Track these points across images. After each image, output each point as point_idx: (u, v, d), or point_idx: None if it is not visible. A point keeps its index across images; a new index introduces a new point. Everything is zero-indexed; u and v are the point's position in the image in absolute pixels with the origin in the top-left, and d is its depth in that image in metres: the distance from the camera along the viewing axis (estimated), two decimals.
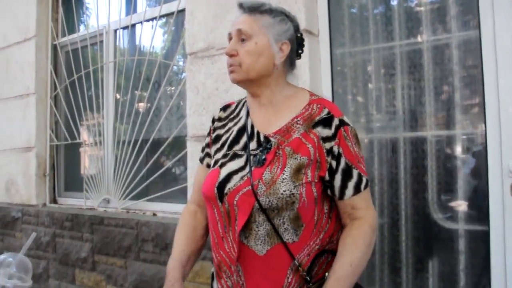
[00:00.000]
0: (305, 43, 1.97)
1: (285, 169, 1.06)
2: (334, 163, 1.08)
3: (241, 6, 1.16)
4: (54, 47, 3.51)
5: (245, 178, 1.08)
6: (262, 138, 1.13)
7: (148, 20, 2.94)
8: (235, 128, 1.21)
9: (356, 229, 1.09)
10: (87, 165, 3.31)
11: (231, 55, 1.14)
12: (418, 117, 1.94)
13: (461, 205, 1.82)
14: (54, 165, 3.50)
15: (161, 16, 2.84)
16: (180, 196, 2.66)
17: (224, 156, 1.17)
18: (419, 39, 1.96)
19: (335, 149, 1.08)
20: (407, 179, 1.93)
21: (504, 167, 1.67)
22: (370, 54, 2.05)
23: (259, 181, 1.06)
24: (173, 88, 2.90)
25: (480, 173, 1.80)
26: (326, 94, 2.07)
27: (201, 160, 1.30)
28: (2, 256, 1.04)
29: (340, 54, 2.11)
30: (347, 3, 2.13)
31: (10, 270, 1.02)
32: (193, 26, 2.43)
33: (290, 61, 1.18)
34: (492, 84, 1.71)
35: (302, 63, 2.02)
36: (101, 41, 3.18)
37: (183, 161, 2.80)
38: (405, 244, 1.92)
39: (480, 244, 1.74)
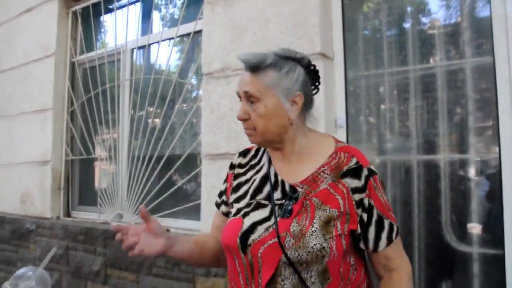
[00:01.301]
0: (320, 66, 2.05)
1: (314, 221, 1.02)
2: (365, 216, 1.05)
3: (243, 63, 1.09)
4: (72, 65, 3.60)
5: (271, 230, 1.03)
6: (287, 188, 1.09)
7: (164, 40, 3.02)
8: (258, 177, 1.15)
9: (397, 284, 1.07)
10: (101, 180, 3.37)
11: (243, 120, 1.09)
12: (431, 140, 1.96)
13: (475, 228, 1.83)
14: (69, 179, 3.56)
15: (178, 37, 2.92)
16: (193, 213, 2.69)
17: (247, 205, 1.11)
18: (432, 63, 1.99)
19: (366, 201, 1.05)
20: (420, 201, 1.94)
21: None
22: (384, 77, 2.09)
23: (286, 234, 1.01)
24: (187, 106, 2.95)
25: (494, 196, 1.81)
26: (340, 116, 2.10)
27: (218, 205, 1.26)
28: (22, 270, 1.07)
29: (354, 77, 2.15)
30: (362, 27, 2.18)
31: (30, 283, 1.04)
32: (210, 47, 2.50)
33: (307, 105, 1.12)
34: (506, 108, 1.73)
35: None
36: (118, 60, 3.26)
37: (196, 178, 2.84)
38: (418, 266, 1.92)
39: (495, 268, 1.75)
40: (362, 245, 1.07)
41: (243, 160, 1.23)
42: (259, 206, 1.09)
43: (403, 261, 1.10)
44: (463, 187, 1.88)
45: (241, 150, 1.27)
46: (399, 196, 2.00)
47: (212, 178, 2.41)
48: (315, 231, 1.00)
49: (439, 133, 1.93)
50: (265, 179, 1.13)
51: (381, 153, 2.09)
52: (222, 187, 1.25)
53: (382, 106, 2.13)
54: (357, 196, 1.05)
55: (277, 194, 1.09)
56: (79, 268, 3.10)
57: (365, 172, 1.06)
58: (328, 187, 1.05)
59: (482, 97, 1.89)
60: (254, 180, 1.15)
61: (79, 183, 3.59)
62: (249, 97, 1.07)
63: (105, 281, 2.93)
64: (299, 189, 1.07)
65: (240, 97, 1.11)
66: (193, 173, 2.78)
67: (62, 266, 3.22)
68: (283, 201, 1.07)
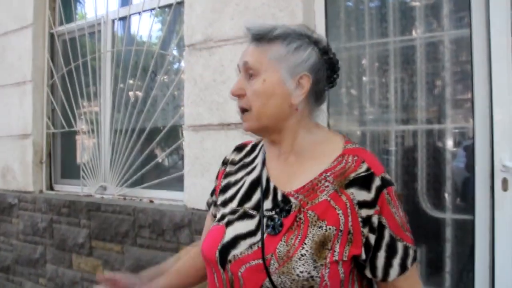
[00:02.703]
0: None
1: (306, 241, 0.83)
2: (372, 238, 0.85)
3: (248, 32, 0.94)
4: (51, 36, 3.51)
5: (255, 248, 0.87)
6: (279, 197, 0.91)
7: (146, 11, 2.97)
8: (248, 180, 0.99)
9: None
10: (84, 153, 3.35)
11: (237, 96, 0.93)
12: (410, 111, 2.01)
13: (449, 196, 1.91)
14: (51, 152, 3.53)
15: (160, 7, 2.87)
16: (176, 184, 2.72)
17: (233, 212, 0.95)
18: (412, 35, 2.02)
19: (375, 219, 0.84)
20: (398, 170, 2.01)
21: (494, 159, 1.72)
22: (365, 49, 2.12)
23: (272, 255, 0.84)
24: (169, 78, 2.94)
25: (467, 165, 1.88)
26: None
27: (208, 206, 1.12)
28: None
29: (335, 49, 2.16)
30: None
31: None
32: (192, 18, 2.47)
33: (316, 95, 0.94)
34: (481, 80, 1.77)
35: None
36: (99, 31, 3.20)
37: (178, 150, 2.86)
38: None
39: (466, 232, 1.83)
40: (368, 273, 0.88)
41: (237, 156, 1.06)
42: (245, 215, 0.93)
43: None
44: (439, 156, 1.95)
45: (237, 145, 1.10)
46: None
47: (194, 150, 2.43)
48: (305, 254, 0.82)
49: (417, 104, 1.98)
50: (256, 183, 0.96)
51: (361, 124, 2.14)
52: (214, 184, 1.10)
53: (363, 78, 2.16)
54: (364, 212, 0.84)
55: (267, 204, 0.91)
56: (63, 240, 3.12)
57: (377, 182, 0.85)
58: (329, 199, 0.86)
59: (460, 69, 1.94)
60: (244, 183, 0.99)
61: (61, 156, 3.57)
62: (247, 70, 0.91)
63: (90, 252, 2.96)
64: (292, 199, 0.89)
65: (240, 70, 0.96)
66: (176, 145, 2.80)
67: (47, 239, 3.24)
68: (273, 213, 0.89)
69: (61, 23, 3.49)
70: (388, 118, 2.05)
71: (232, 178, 1.03)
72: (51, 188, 3.51)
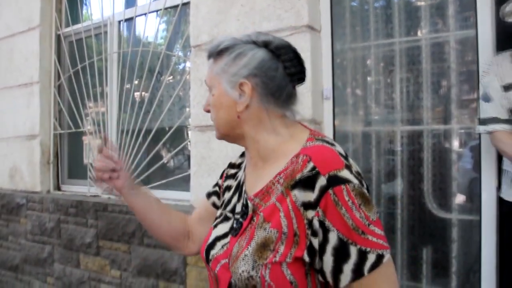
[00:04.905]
0: (307, 38, 2.06)
1: (251, 242, 0.86)
2: (315, 241, 0.80)
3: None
4: (58, 37, 3.55)
5: (225, 248, 0.93)
6: (244, 201, 0.96)
7: (152, 12, 2.99)
8: (234, 184, 1.05)
9: None
10: (90, 153, 3.38)
11: (206, 111, 1.01)
12: (415, 111, 2.01)
13: (454, 196, 1.91)
14: (58, 153, 3.56)
15: (165, 8, 2.89)
16: (183, 184, 2.74)
17: (219, 216, 1.03)
18: (418, 36, 2.02)
19: (315, 222, 0.80)
20: (403, 170, 2.01)
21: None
22: (370, 49, 2.12)
23: (230, 255, 0.90)
24: (175, 79, 2.96)
25: (473, 165, 1.88)
26: (327, 87, 2.14)
27: (208, 195, 1.16)
28: None
29: (341, 49, 2.18)
30: (349, 0, 2.19)
31: None
32: (198, 19, 2.49)
33: (274, 96, 0.92)
34: None
35: (304, 58, 2.08)
36: (105, 32, 3.22)
37: (184, 151, 2.87)
38: (401, 232, 2.01)
39: (472, 233, 1.83)
40: (320, 278, 0.83)
41: (238, 161, 1.11)
42: (225, 218, 1.00)
43: None
44: (445, 157, 1.95)
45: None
46: (383, 165, 2.07)
47: (201, 150, 2.44)
48: (247, 255, 0.85)
49: (423, 104, 1.98)
50: (237, 187, 1.03)
51: (366, 124, 2.15)
52: (218, 181, 1.14)
53: (368, 78, 2.17)
54: (309, 214, 0.81)
55: (239, 207, 0.97)
56: (71, 240, 3.15)
57: (321, 182, 0.80)
58: (275, 201, 0.86)
59: (466, 69, 1.93)
60: (232, 188, 1.05)
61: (68, 156, 3.60)
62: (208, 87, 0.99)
63: (97, 252, 2.99)
64: (250, 203, 0.93)
65: None
66: (182, 145, 2.82)
67: (54, 239, 3.27)
68: (239, 216, 0.95)
69: (67, 25, 3.52)
70: (393, 119, 2.06)
71: (229, 182, 1.08)
72: (58, 188, 3.54)
